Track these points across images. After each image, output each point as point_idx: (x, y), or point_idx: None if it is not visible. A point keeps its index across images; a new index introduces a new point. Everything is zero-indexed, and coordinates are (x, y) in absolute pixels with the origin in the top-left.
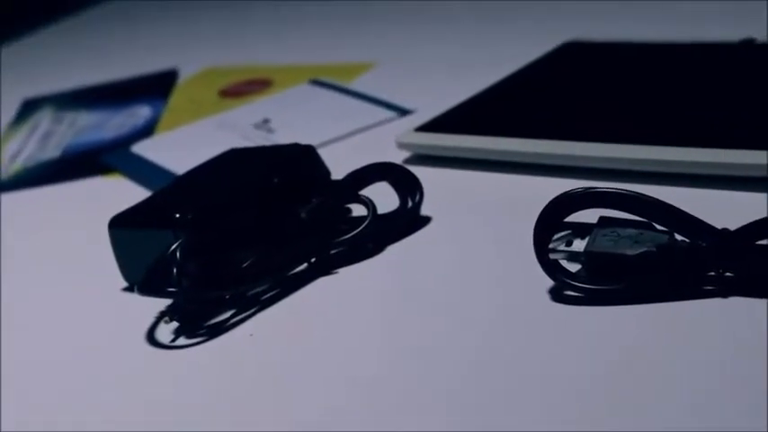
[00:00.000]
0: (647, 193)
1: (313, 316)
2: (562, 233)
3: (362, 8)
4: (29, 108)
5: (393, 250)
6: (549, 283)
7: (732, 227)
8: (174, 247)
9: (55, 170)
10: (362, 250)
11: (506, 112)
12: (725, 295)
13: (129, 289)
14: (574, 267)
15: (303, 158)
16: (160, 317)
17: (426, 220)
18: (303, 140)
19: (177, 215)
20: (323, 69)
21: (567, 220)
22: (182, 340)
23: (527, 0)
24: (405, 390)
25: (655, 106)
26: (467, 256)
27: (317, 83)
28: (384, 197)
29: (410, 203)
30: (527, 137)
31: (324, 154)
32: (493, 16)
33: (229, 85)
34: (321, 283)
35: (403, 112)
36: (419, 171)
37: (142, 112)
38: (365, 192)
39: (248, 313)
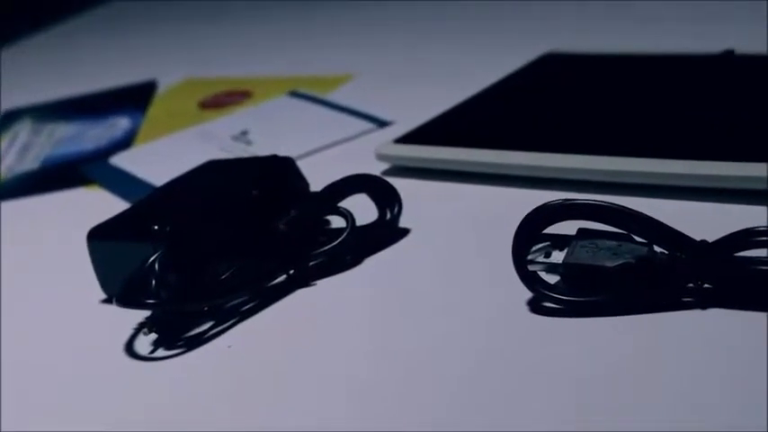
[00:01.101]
0: (625, 205)
1: (291, 328)
2: (541, 245)
3: (342, 20)
4: (8, 119)
5: (372, 262)
6: (528, 294)
7: (711, 238)
8: (152, 258)
9: (34, 182)
10: (341, 262)
11: (485, 123)
12: (704, 307)
13: (107, 301)
14: (552, 279)
15: (282, 170)
16: (139, 329)
17: (405, 231)
18: (282, 152)
19: (156, 227)
20: (302, 81)
21: (545, 231)
22: (160, 352)
23: (505, 12)
24: (383, 401)
25: (633, 118)
26: (445, 268)
27: (296, 94)
28: (363, 209)
29: (389, 215)
30: (506, 148)
31: (303, 166)
32: (472, 28)
33: (208, 96)
34: (300, 294)
35: (382, 123)
36: (398, 182)
37: (121, 124)
38: (344, 203)
39: (227, 325)
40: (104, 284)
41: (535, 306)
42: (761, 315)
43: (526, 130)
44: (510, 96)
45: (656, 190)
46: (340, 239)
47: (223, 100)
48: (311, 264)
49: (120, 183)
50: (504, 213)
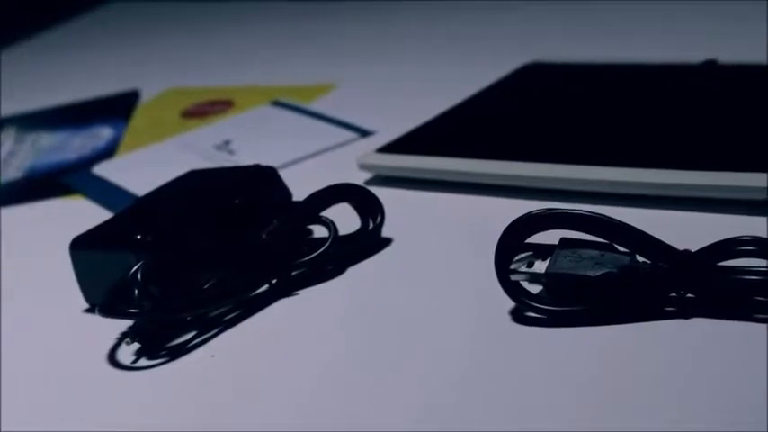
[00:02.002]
0: (608, 215)
1: (274, 337)
2: (523, 254)
3: (324, 29)
4: None
5: (354, 272)
6: (511, 304)
7: (693, 248)
8: (135, 268)
9: (16, 191)
10: (323, 272)
11: (467, 133)
12: (686, 316)
13: (90, 310)
14: (535, 289)
15: (264, 180)
16: (121, 338)
17: (388, 241)
18: (264, 162)
19: (138, 237)
20: (284, 91)
21: (528, 241)
22: (143, 361)
23: (488, 22)
24: (365, 411)
25: (615, 128)
26: (428, 278)
27: (279, 104)
28: (345, 218)
29: (371, 225)
30: (488, 158)
31: (285, 175)
32: (454, 37)
33: (191, 106)
34: (282, 304)
35: (364, 133)
36: (380, 192)
37: (104, 134)
38: (326, 213)
39: (209, 335)
40: (87, 294)
41: (518, 316)
42: (743, 324)
43: (508, 139)
44: (492, 106)
45: (638, 199)
46: (322, 249)
47: (206, 109)
48: (294, 273)
49: (103, 192)
50: (487, 223)
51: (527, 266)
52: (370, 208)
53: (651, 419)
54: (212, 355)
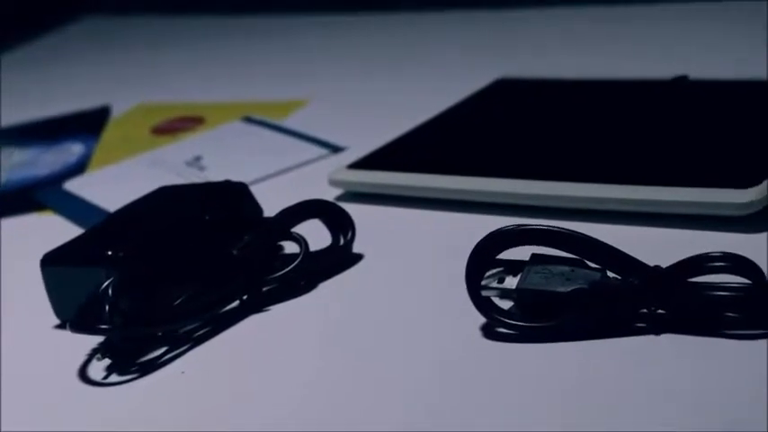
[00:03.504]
0: (578, 231)
1: (245, 353)
2: (494, 270)
3: (296, 46)
4: None
5: (325, 287)
6: (482, 320)
7: (664, 264)
8: (106, 284)
9: None
10: (294, 287)
11: (438, 149)
12: (657, 332)
13: (61, 326)
14: (506, 304)
15: (235, 196)
16: (92, 354)
17: (359, 257)
18: (235, 178)
19: (109, 252)
20: (255, 107)
21: (499, 257)
22: (114, 377)
23: (459, 38)
24: (336, 427)
25: (585, 143)
26: (399, 294)
27: (250, 120)
28: (316, 234)
29: (342, 241)
30: (459, 174)
31: (256, 191)
32: (426, 53)
33: (162, 122)
34: (253, 320)
35: (335, 149)
36: (351, 208)
37: (75, 149)
38: (297, 229)
39: (180, 350)
40: (58, 310)
41: (489, 332)
42: (714, 340)
43: (479, 155)
44: (463, 122)
45: (609, 215)
46: (293, 265)
47: (176, 125)
48: (265, 289)
49: (74, 208)
50: (458, 239)
51: (498, 282)
52: (341, 224)
53: None
54: (183, 372)
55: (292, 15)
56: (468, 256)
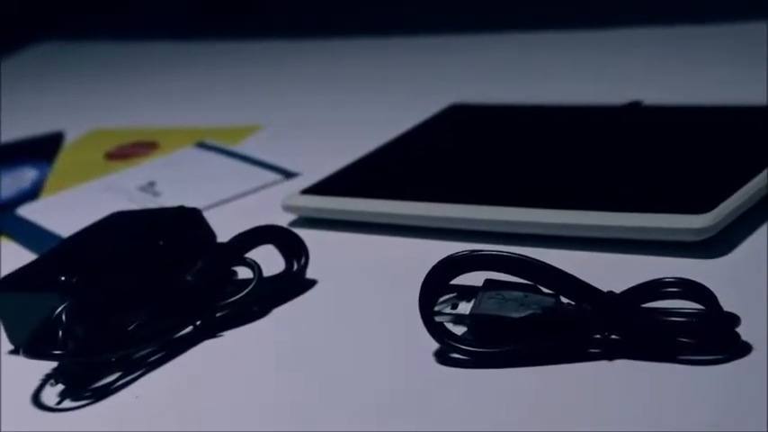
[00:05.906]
0: (532, 256)
1: (198, 378)
2: (448, 296)
3: (249, 71)
4: None
5: (279, 313)
6: (435, 345)
7: (618, 289)
8: (59, 309)
9: None
10: (248, 313)
11: (392, 175)
12: (610, 357)
13: (14, 352)
14: (459, 330)
15: (188, 221)
16: (46, 379)
17: (312, 282)
18: (189, 203)
19: (63, 278)
20: (209, 132)
21: (452, 282)
22: (67, 403)
23: (413, 63)
24: None
25: (538, 169)
26: (352, 319)
27: (203, 145)
28: (270, 260)
29: (296, 266)
30: (412, 200)
31: (210, 217)
32: (379, 79)
33: (115, 147)
34: (206, 345)
35: (288, 174)
36: (305, 234)
37: (28, 175)
38: (251, 254)
39: (134, 376)
40: (11, 335)
41: (442, 357)
42: (668, 366)
43: (432, 181)
44: (416, 147)
45: (562, 241)
46: (247, 290)
47: (130, 151)
48: (218, 315)
49: (28, 234)
50: (411, 264)
51: (451, 308)
52: (294, 249)
53: None
54: (136, 397)
55: (245, 41)
56: (421, 281)
